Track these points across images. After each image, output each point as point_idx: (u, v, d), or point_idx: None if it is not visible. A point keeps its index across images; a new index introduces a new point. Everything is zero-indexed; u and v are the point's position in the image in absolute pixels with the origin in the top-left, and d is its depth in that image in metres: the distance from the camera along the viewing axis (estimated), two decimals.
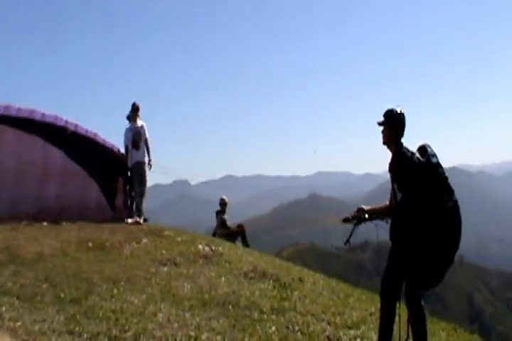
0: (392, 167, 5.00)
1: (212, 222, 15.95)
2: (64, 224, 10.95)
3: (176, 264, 8.55)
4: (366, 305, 7.30)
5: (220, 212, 15.60)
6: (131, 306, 5.96)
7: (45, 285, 6.56)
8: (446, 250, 4.86)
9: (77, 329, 4.98)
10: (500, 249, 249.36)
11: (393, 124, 4.99)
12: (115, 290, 6.59)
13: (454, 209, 4.85)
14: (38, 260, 7.94)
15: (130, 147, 12.27)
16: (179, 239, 10.67)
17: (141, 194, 12.42)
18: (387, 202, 5.33)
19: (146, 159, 12.48)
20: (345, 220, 5.34)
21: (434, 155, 4.90)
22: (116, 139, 12.99)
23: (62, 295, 6.19)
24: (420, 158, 4.83)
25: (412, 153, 4.90)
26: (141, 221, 12.18)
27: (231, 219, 15.87)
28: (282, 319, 6.05)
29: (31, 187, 10.64)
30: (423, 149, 4.93)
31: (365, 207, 5.30)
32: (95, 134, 11.80)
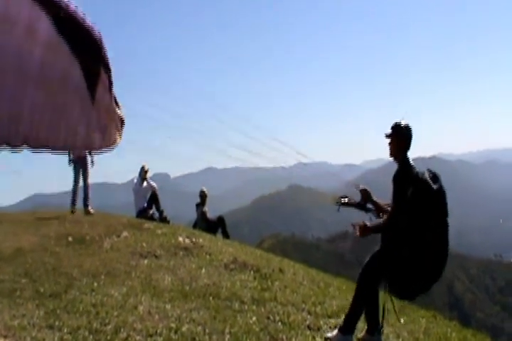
0: (397, 178, 5.05)
1: (193, 215, 15.93)
2: None
3: (156, 257, 8.54)
4: (346, 294, 7.33)
5: (200, 205, 15.56)
6: (112, 299, 5.95)
7: (24, 280, 6.53)
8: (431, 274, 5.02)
9: (57, 323, 4.97)
10: (480, 237, 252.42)
11: (401, 138, 5.05)
12: (95, 284, 6.58)
13: (446, 235, 4.98)
14: (17, 255, 7.89)
15: None
16: (159, 231, 10.67)
17: (87, 188, 13.29)
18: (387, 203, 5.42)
19: (89, 157, 13.21)
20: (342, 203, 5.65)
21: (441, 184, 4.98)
22: None
23: (41, 289, 6.16)
24: (430, 182, 4.87)
25: (419, 172, 4.95)
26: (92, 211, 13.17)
27: (211, 212, 15.84)
28: (263, 309, 6.08)
29: (12, 41, 10.02)
30: (435, 176, 4.97)
31: (367, 189, 5.60)
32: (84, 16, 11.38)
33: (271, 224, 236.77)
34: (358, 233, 5.23)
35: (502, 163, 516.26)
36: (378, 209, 5.51)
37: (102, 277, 6.98)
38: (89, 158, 13.11)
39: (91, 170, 13.25)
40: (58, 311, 5.38)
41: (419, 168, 5.01)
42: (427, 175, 4.88)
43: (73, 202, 12.94)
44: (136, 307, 5.71)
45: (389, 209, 5.34)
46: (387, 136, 5.08)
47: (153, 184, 14.99)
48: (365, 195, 5.57)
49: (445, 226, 4.94)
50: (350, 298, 5.31)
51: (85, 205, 13.10)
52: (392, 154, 5.10)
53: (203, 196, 15.69)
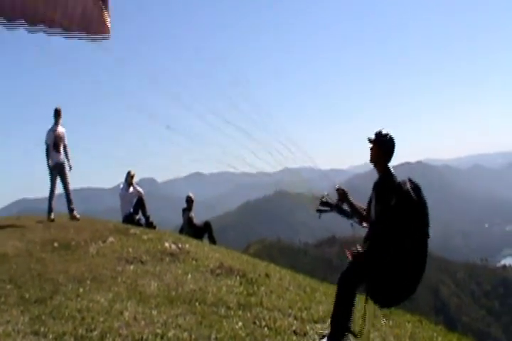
0: (379, 187, 5.09)
1: (180, 220, 15.93)
2: None
3: (142, 262, 8.52)
4: (332, 299, 7.34)
5: (187, 210, 15.58)
6: (97, 305, 5.93)
7: (9, 286, 6.50)
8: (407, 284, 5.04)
9: (42, 329, 4.95)
10: (465, 242, 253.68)
11: (384, 147, 5.12)
12: (81, 290, 6.55)
13: (426, 246, 5.00)
14: (2, 261, 7.85)
15: (51, 148, 12.90)
16: (145, 237, 10.64)
17: (68, 193, 13.23)
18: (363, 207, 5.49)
19: (66, 162, 13.21)
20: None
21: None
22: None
23: (27, 295, 6.13)
24: (412, 192, 4.89)
25: (401, 182, 4.98)
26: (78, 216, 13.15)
27: (198, 217, 15.86)
28: (249, 314, 6.08)
29: None
30: (417, 187, 4.98)
31: (344, 189, 5.62)
32: None
33: (258, 229, 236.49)
34: (351, 258, 5.26)
35: (487, 168, 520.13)
36: (354, 211, 5.54)
37: (88, 283, 6.95)
38: (66, 164, 13.09)
39: (70, 175, 13.24)
40: (43, 317, 5.35)
41: (401, 177, 5.05)
42: (408, 186, 4.91)
43: (50, 210, 12.82)
44: (122, 313, 5.69)
45: (364, 212, 5.40)
46: (370, 142, 5.13)
47: (140, 189, 14.97)
48: (342, 194, 5.61)
49: (425, 237, 4.97)
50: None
51: (70, 210, 13.05)
52: (372, 160, 5.18)
53: (189, 201, 15.70)
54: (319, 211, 5.67)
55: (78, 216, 13.03)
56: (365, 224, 5.41)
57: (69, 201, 13.11)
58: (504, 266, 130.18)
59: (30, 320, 5.25)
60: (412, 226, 4.86)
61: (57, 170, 12.87)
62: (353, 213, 5.55)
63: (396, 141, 5.14)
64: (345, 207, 5.62)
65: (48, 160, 12.79)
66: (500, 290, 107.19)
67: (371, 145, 5.14)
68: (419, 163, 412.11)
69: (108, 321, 5.35)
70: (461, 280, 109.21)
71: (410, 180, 4.99)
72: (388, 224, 4.86)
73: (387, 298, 5.11)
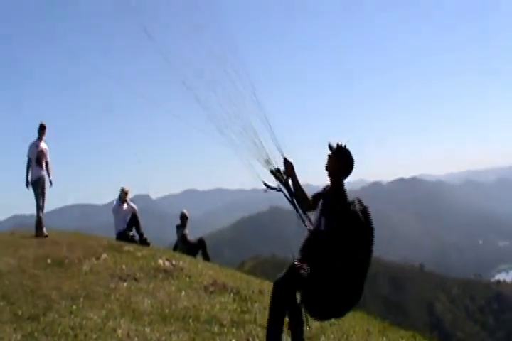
0: (332, 201, 5.04)
1: (174, 237, 15.91)
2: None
3: (135, 279, 8.50)
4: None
5: (181, 226, 15.58)
6: (91, 322, 5.91)
7: (1, 303, 6.46)
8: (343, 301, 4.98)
9: None
10: (459, 258, 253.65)
11: (342, 161, 5.01)
12: (74, 307, 6.52)
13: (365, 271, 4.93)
14: None
15: (34, 162, 12.96)
16: (139, 254, 10.63)
17: (42, 208, 13.11)
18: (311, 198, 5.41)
19: (47, 178, 13.24)
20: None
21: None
22: None
23: (19, 312, 6.10)
24: (360, 214, 4.84)
25: (350, 202, 4.92)
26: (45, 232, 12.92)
27: (192, 233, 15.85)
28: (242, 331, 6.07)
29: None
30: (365, 210, 4.92)
31: (291, 162, 5.50)
32: None
33: (252, 245, 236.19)
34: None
35: (479, 184, 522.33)
36: (298, 190, 5.48)
37: (81, 300, 6.92)
38: (47, 179, 13.10)
39: (49, 191, 13.26)
40: (36, 334, 5.33)
41: (353, 197, 4.98)
42: (357, 207, 4.85)
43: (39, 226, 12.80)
44: (115, 330, 5.67)
45: (308, 200, 5.37)
46: (330, 149, 5.04)
47: (134, 205, 14.96)
48: (289, 166, 5.49)
49: (366, 262, 4.92)
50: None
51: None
52: (327, 169, 5.07)
53: (183, 218, 15.71)
54: (266, 186, 5.55)
55: (46, 232, 12.96)
56: (308, 224, 5.37)
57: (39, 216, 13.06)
58: (498, 282, 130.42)
59: (23, 337, 5.23)
60: (353, 249, 4.82)
61: (39, 185, 12.90)
62: (298, 194, 5.47)
63: (355, 162, 5.05)
64: (291, 185, 5.52)
65: (27, 174, 12.87)
66: (495, 305, 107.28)
67: (330, 153, 5.03)
68: (413, 178, 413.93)
69: (101, 338, 5.34)
70: (455, 296, 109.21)
71: (359, 201, 4.94)
72: (333, 242, 4.84)
73: (320, 311, 5.09)
